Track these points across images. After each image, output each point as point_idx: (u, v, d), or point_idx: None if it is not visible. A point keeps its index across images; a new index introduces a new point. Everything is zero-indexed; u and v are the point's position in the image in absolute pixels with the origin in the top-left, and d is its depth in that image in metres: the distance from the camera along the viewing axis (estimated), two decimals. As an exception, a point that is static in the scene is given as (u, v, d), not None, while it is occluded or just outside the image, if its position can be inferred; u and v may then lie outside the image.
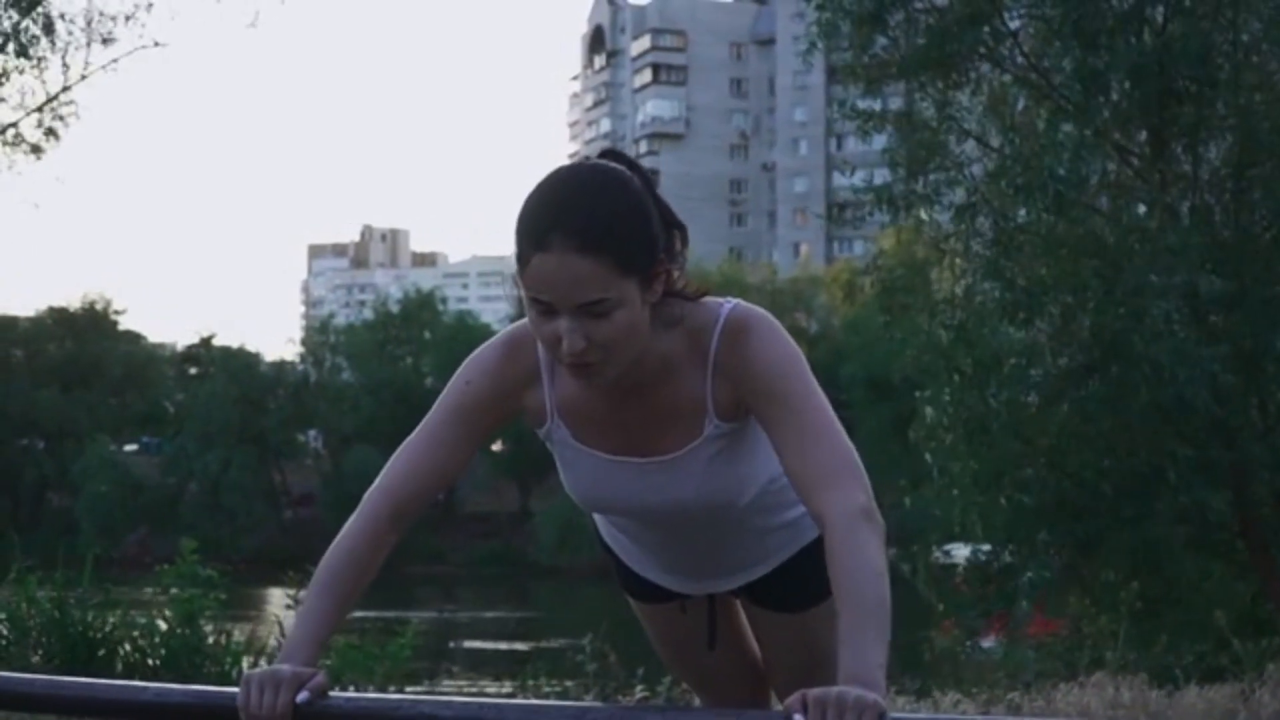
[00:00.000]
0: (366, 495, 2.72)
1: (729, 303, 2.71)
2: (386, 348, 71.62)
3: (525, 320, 2.69)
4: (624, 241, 2.50)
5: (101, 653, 8.97)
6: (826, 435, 2.59)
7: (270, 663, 2.67)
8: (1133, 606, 11.68)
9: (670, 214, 2.64)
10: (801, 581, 2.91)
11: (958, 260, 15.12)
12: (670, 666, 3.53)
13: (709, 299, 2.72)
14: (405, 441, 2.75)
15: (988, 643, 14.65)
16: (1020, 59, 14.71)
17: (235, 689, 2.48)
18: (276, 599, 11.04)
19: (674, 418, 2.74)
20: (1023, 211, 14.18)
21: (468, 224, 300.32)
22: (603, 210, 2.50)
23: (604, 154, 2.66)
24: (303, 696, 2.45)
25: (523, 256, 2.52)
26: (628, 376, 2.65)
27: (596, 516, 3.17)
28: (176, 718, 2.58)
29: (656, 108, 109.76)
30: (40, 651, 9.00)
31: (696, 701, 3.53)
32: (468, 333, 62.74)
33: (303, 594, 9.03)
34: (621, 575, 3.26)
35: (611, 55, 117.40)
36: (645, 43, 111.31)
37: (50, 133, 19.84)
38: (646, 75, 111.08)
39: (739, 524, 2.95)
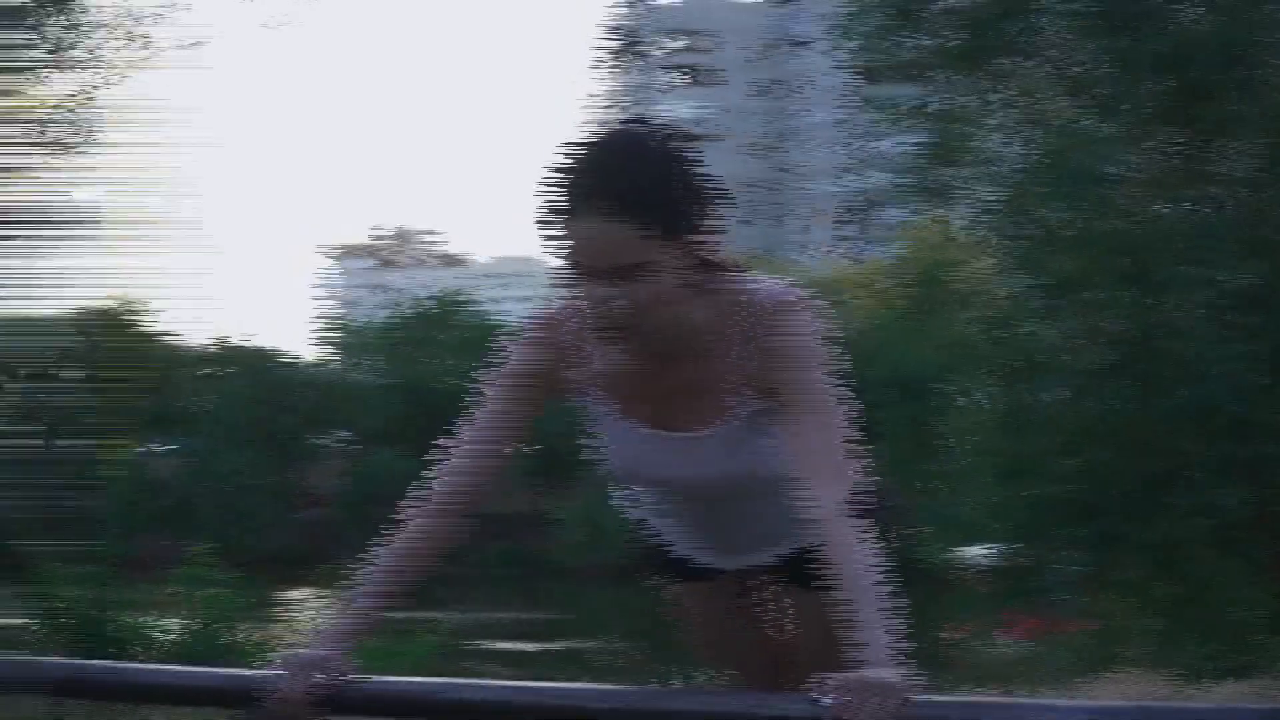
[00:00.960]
0: (423, 490, 2.72)
1: (776, 281, 2.71)
2: (409, 349, 71.35)
3: (562, 296, 2.70)
4: (656, 206, 2.50)
5: (125, 649, 9.02)
6: (831, 428, 2.60)
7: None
8: (1160, 604, 11.65)
9: (708, 181, 2.61)
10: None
11: (988, 257, 15.10)
12: (699, 651, 3.50)
13: (755, 275, 2.71)
14: (455, 433, 2.75)
15: (1009, 639, 14.64)
16: (1052, 53, 14.65)
17: (266, 672, 2.49)
18: (296, 599, 11.06)
19: (710, 390, 2.74)
20: (1051, 208, 14.14)
21: (497, 225, 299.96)
22: (635, 175, 2.49)
23: (637, 120, 2.64)
24: (335, 679, 2.46)
25: (556, 222, 2.52)
26: (664, 344, 2.65)
27: (628, 494, 3.16)
28: (207, 700, 2.59)
29: (682, 109, 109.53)
30: (65, 647, 9.05)
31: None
32: (494, 334, 62.42)
33: (319, 594, 9.08)
34: (652, 555, 3.25)
35: (637, 56, 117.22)
36: (671, 44, 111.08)
37: (86, 132, 19.78)
38: (672, 76, 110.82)
39: (773, 497, 2.93)
